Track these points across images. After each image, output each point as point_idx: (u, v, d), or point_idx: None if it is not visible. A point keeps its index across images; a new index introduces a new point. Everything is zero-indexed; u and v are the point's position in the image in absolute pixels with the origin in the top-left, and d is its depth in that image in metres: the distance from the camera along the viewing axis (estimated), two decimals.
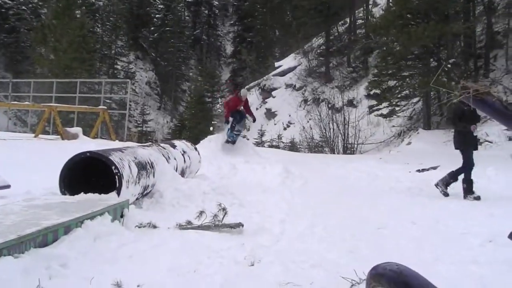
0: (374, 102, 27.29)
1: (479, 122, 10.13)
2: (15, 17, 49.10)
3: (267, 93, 42.75)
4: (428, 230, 7.00)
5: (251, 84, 46.52)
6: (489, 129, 18.09)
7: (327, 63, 40.50)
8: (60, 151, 12.23)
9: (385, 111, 25.32)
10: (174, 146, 10.25)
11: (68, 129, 19.75)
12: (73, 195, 6.84)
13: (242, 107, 15.99)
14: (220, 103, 48.45)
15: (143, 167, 7.81)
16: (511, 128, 2.48)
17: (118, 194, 6.88)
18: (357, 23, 41.72)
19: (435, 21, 21.52)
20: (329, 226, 7.18)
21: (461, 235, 6.64)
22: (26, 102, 26.19)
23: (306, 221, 7.47)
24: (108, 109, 24.97)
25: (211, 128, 26.96)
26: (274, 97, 41.79)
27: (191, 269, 4.81)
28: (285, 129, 36.63)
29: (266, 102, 42.01)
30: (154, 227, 6.33)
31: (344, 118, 27.60)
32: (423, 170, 13.68)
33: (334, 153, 26.24)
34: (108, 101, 37.32)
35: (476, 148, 10.29)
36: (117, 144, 16.75)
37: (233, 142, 15.23)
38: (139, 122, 48.71)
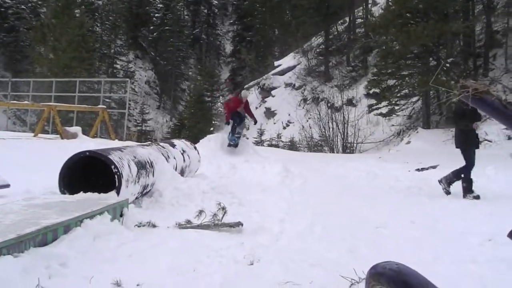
0: (373, 101, 27.29)
1: (480, 121, 10.10)
2: (14, 16, 49.12)
3: (266, 92, 42.76)
4: (428, 229, 7.00)
5: (251, 83, 46.56)
6: (488, 128, 18.10)
7: (327, 62, 40.50)
8: (59, 150, 12.22)
9: (384, 110, 25.34)
10: (173, 145, 10.25)
11: (67, 128, 19.76)
12: (73, 194, 6.85)
13: (242, 109, 16.02)
14: (220, 102, 48.49)
15: (143, 166, 7.81)
16: (510, 127, 2.50)
17: (118, 193, 6.88)
18: (357, 22, 41.75)
19: (434, 20, 21.53)
20: (329, 225, 7.18)
21: (461, 234, 6.64)
22: (26, 102, 26.18)
23: (306, 220, 7.47)
24: (107, 108, 24.97)
25: (211, 129, 27.00)
26: (273, 96, 41.81)
27: (190, 268, 4.81)
28: (284, 128, 36.63)
29: (266, 101, 42.03)
30: (154, 226, 6.33)
31: (344, 117, 27.60)
32: (422, 169, 13.69)
33: (333, 152, 26.25)
34: (107, 100, 37.33)
35: (477, 147, 10.27)
36: (116, 143, 16.75)
37: (235, 145, 15.21)
38: (138, 121, 48.70)
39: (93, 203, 6.06)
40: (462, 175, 10.03)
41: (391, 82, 24.76)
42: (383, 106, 25.33)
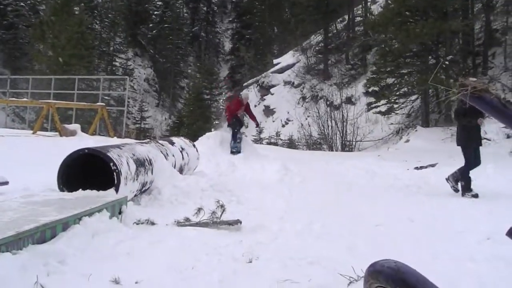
0: (372, 100, 27.30)
1: (483, 118, 10.03)
2: (13, 13, 49.08)
3: (265, 90, 42.74)
4: (426, 228, 7.01)
5: (250, 81, 46.56)
6: (487, 127, 18.10)
7: (326, 60, 40.50)
8: (58, 147, 12.22)
9: (383, 108, 25.35)
10: (172, 143, 10.25)
11: (66, 125, 19.75)
12: (71, 191, 6.84)
13: (243, 111, 16.05)
14: (222, 99, 48.48)
15: (141, 164, 7.81)
16: (509, 126, 2.49)
17: (116, 190, 6.88)
18: (356, 21, 41.74)
19: (433, 18, 21.54)
20: (327, 223, 7.18)
21: (459, 233, 6.64)
22: (24, 99, 26.24)
23: (304, 218, 7.47)
24: (106, 106, 24.97)
25: (212, 130, 27.00)
26: (272, 94, 41.80)
27: (189, 266, 4.81)
28: (283, 126, 36.65)
29: (265, 99, 42.03)
30: (152, 224, 6.33)
31: (343, 115, 27.64)
32: (421, 167, 13.70)
33: (332, 150, 26.28)
34: (106, 97, 37.24)
35: (480, 144, 10.21)
36: (115, 141, 16.74)
37: (238, 152, 15.16)
38: (137, 119, 48.73)
39: (92, 201, 6.06)
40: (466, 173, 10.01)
41: (390, 80, 24.79)
42: (382, 104, 25.33)
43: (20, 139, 16.77)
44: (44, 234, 4.77)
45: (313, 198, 9.58)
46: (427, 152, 17.40)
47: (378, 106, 25.72)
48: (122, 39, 58.13)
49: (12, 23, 48.68)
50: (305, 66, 41.51)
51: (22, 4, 49.88)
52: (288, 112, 37.81)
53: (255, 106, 39.72)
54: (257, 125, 17.87)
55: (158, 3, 64.78)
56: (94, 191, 6.75)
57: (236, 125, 15.50)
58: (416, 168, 13.73)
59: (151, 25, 62.52)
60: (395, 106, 25.06)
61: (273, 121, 38.34)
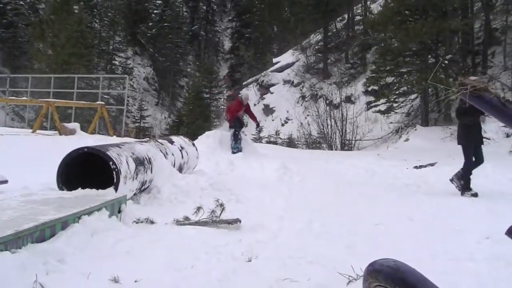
0: (372, 99, 27.29)
1: (484, 116, 9.98)
2: (13, 12, 49.03)
3: (265, 89, 42.72)
4: (425, 227, 7.01)
5: (249, 80, 46.55)
6: (487, 126, 18.10)
7: (325, 59, 40.48)
8: (57, 146, 12.22)
9: (383, 107, 25.34)
10: (171, 142, 10.25)
11: (66, 124, 19.75)
12: (71, 190, 6.85)
13: (243, 112, 16.06)
14: (219, 98, 48.49)
15: (141, 162, 7.81)
16: (508, 125, 2.49)
17: (116, 189, 6.88)
18: (355, 19, 41.69)
19: (433, 17, 21.53)
20: (327, 222, 7.18)
21: (458, 232, 6.64)
22: (24, 98, 26.24)
23: (304, 217, 7.47)
24: (106, 105, 24.99)
25: (212, 129, 27.04)
26: (272, 93, 41.78)
27: (188, 265, 4.82)
28: (283, 125, 36.63)
29: (264, 98, 41.99)
30: (152, 222, 6.34)
31: (342, 114, 27.63)
32: (420, 166, 13.70)
33: (332, 149, 26.27)
34: (106, 96, 37.19)
35: (482, 143, 10.18)
36: (114, 139, 16.73)
37: (240, 151, 15.16)
38: (137, 118, 48.73)
39: (91, 199, 6.06)
40: (472, 170, 9.97)
41: (389, 79, 24.79)
42: (382, 103, 25.33)
43: (20, 138, 16.78)
44: (43, 233, 4.77)
45: (313, 197, 9.58)
46: (426, 151, 17.40)
47: (378, 105, 25.71)
48: (122, 38, 58.10)
49: (11, 22, 48.65)
50: (305, 65, 41.49)
51: (21, 2, 49.83)
52: (287, 111, 37.77)
53: (255, 105, 39.69)
54: (258, 125, 17.89)
55: (157, 2, 64.72)
56: (94, 190, 6.76)
57: (237, 125, 15.53)
58: (416, 167, 13.74)
59: (150, 24, 62.49)
60: (395, 105, 25.05)
61: (273, 120, 38.33)
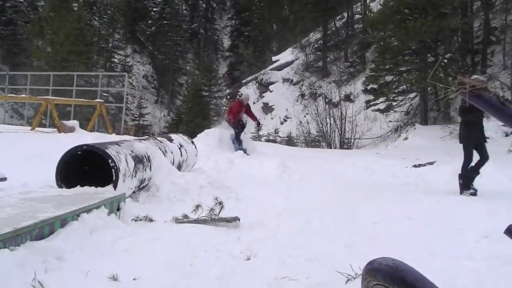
0: (371, 97, 27.29)
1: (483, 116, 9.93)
2: (12, 9, 49.01)
3: (264, 87, 42.71)
4: (424, 226, 7.01)
5: (248, 78, 46.54)
6: (486, 125, 18.08)
7: (325, 57, 40.49)
8: (56, 144, 12.22)
9: (382, 106, 25.33)
10: (171, 140, 10.25)
11: (65, 122, 19.72)
12: (70, 188, 6.85)
13: (243, 112, 16.09)
14: (218, 96, 48.47)
15: (140, 160, 7.81)
16: (508, 124, 2.48)
17: (115, 187, 6.88)
18: (355, 18, 41.73)
19: (432, 16, 21.52)
20: (326, 220, 7.19)
21: (457, 231, 6.64)
22: (23, 95, 26.16)
23: (303, 215, 7.48)
24: (105, 103, 24.97)
25: (211, 127, 27.01)
26: (271, 91, 41.77)
27: (187, 263, 4.81)
28: (282, 123, 36.63)
29: (263, 96, 41.98)
30: (151, 220, 6.34)
31: (341, 112, 27.62)
32: (419, 165, 13.69)
33: (331, 147, 26.28)
34: (105, 94, 37.22)
35: (484, 141, 10.14)
36: (114, 137, 16.73)
37: (245, 152, 15.18)
38: (136, 116, 48.70)
39: (90, 197, 6.06)
40: (479, 169, 9.93)
41: (389, 78, 24.78)
42: (381, 102, 25.31)
43: (19, 135, 16.77)
44: (42, 230, 4.77)
45: (312, 195, 9.58)
46: (425, 150, 17.41)
47: (377, 103, 25.69)
48: (121, 36, 58.01)
49: (10, 19, 48.63)
50: (304, 63, 41.51)
51: (20, 0, 49.79)
52: (286, 109, 37.78)
53: (254, 103, 39.68)
54: (258, 123, 17.93)
55: None
56: (93, 188, 6.76)
57: (239, 128, 15.60)
58: (415, 166, 13.73)
59: (150, 21, 62.43)
60: (394, 103, 25.05)
61: (272, 118, 38.33)
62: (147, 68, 61.00)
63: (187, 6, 73.85)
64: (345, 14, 41.67)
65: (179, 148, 10.21)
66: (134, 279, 4.28)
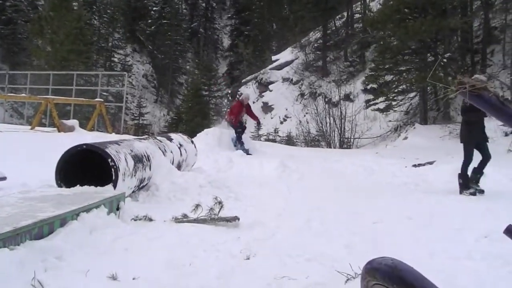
0: (371, 97, 27.25)
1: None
2: (12, 8, 49.05)
3: (264, 86, 42.66)
4: (424, 225, 7.01)
5: (248, 78, 46.49)
6: (486, 125, 18.07)
7: (324, 57, 40.46)
8: (56, 143, 12.21)
9: (381, 105, 25.30)
10: (170, 139, 10.25)
11: (64, 121, 19.71)
12: (69, 187, 6.85)
13: (244, 112, 16.12)
14: (217, 96, 48.46)
15: (140, 160, 7.81)
16: (507, 124, 2.48)
17: (114, 186, 6.88)
18: (355, 17, 41.68)
19: (432, 15, 21.50)
20: (325, 220, 7.19)
21: (457, 231, 6.64)
22: (23, 94, 26.16)
23: (302, 215, 7.48)
24: (104, 102, 24.98)
25: (211, 126, 27.02)
26: (271, 90, 41.71)
27: (186, 262, 4.81)
28: (281, 123, 36.60)
29: (263, 95, 41.92)
30: (150, 220, 6.34)
31: (341, 112, 27.58)
32: (419, 165, 13.69)
33: (330, 147, 26.25)
34: (104, 93, 37.24)
35: (486, 140, 10.13)
36: (113, 136, 16.73)
37: (247, 151, 15.21)
38: (135, 115, 48.73)
39: (90, 197, 6.06)
40: (483, 169, 9.91)
41: (388, 77, 24.75)
42: (381, 102, 25.28)
43: (18, 134, 16.77)
44: (41, 229, 4.77)
45: (311, 195, 9.59)
46: (425, 149, 17.40)
47: (377, 103, 25.66)
48: (121, 35, 58.03)
49: (10, 18, 48.65)
50: (304, 62, 41.45)
51: None
52: (286, 109, 37.74)
53: (254, 102, 39.62)
54: (259, 122, 17.95)
55: None
56: (92, 187, 6.76)
57: (240, 128, 15.64)
58: (414, 165, 13.72)
59: (149, 21, 62.49)
60: (394, 103, 25.02)
61: (272, 118, 38.29)
62: (147, 67, 61.02)
63: (187, 6, 73.89)
64: (345, 14, 41.60)
65: (179, 148, 10.21)
66: (133, 279, 4.28)
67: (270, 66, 44.70)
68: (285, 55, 44.99)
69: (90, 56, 42.97)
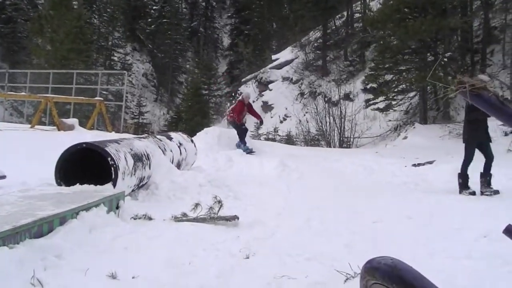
0: (370, 96, 27.23)
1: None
2: (12, 7, 49.05)
3: (263, 86, 42.65)
4: (423, 225, 7.01)
5: (248, 77, 46.47)
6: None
7: (324, 56, 40.45)
8: (56, 142, 12.19)
9: (381, 105, 25.29)
10: (170, 138, 10.24)
11: (64, 120, 19.71)
12: (69, 186, 6.84)
13: (245, 112, 16.12)
14: (217, 95, 48.45)
15: (139, 158, 7.81)
16: (507, 124, 2.48)
17: (114, 185, 6.88)
18: (355, 17, 41.65)
19: (432, 15, 21.48)
20: (325, 219, 7.19)
21: (456, 230, 6.64)
22: (23, 93, 26.17)
23: (302, 214, 7.48)
24: (104, 101, 24.96)
25: (210, 125, 27.04)
26: (270, 90, 41.70)
27: (186, 261, 4.82)
28: (281, 122, 36.59)
29: (263, 95, 41.91)
30: (150, 219, 6.34)
31: (341, 111, 27.55)
32: (419, 164, 13.68)
33: (330, 146, 26.23)
34: (104, 92, 37.14)
35: (489, 140, 10.13)
36: (113, 135, 16.74)
37: (250, 151, 15.22)
38: (135, 114, 48.72)
39: (89, 195, 6.06)
40: (489, 170, 9.89)
41: (388, 77, 24.73)
42: (380, 101, 25.26)
43: (18, 133, 16.77)
44: (41, 228, 4.77)
45: (311, 194, 9.59)
46: (425, 149, 17.38)
47: (376, 102, 25.63)
48: (121, 34, 58.03)
49: (10, 17, 48.65)
50: (304, 62, 41.44)
51: None
52: (286, 108, 37.73)
53: (254, 101, 39.59)
54: (261, 122, 17.97)
55: None
56: (92, 186, 6.75)
57: (242, 127, 15.66)
58: (414, 165, 13.71)
59: (149, 20, 62.49)
60: (393, 102, 25.00)
61: (271, 117, 38.26)
62: (147, 66, 61.02)
63: (187, 5, 73.87)
64: (345, 13, 41.57)
65: (179, 147, 10.21)
66: (133, 277, 4.28)
67: (270, 65, 44.69)
68: (285, 54, 44.98)
69: (90, 55, 42.98)
